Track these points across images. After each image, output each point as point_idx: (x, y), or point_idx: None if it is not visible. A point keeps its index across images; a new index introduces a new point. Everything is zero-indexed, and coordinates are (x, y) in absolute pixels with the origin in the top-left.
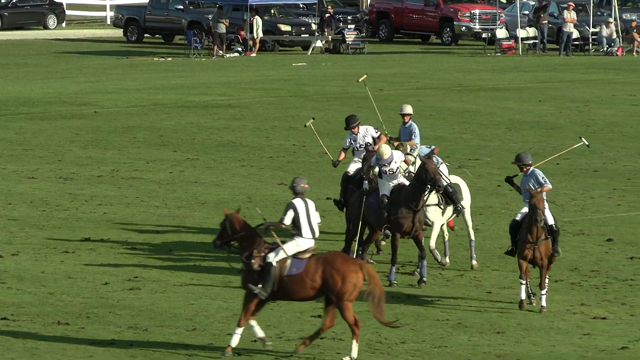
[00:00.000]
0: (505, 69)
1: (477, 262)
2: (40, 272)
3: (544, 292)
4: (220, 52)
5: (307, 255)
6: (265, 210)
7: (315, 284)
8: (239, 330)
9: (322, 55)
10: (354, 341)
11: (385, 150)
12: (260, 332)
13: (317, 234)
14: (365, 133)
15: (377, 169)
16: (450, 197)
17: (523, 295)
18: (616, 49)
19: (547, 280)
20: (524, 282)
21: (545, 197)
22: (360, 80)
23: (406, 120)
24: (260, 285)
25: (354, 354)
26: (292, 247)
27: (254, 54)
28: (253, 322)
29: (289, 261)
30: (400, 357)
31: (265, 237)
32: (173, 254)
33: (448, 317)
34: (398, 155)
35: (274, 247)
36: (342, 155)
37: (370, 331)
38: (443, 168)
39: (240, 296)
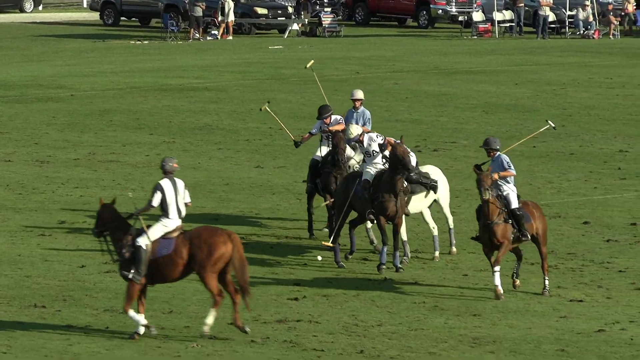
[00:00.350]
0: (482, 52)
1: (455, 248)
2: (16, 255)
3: (497, 268)
4: (197, 35)
5: (175, 234)
6: (242, 194)
7: (184, 260)
8: (132, 314)
9: (298, 38)
10: (213, 310)
11: (353, 129)
12: (142, 320)
13: (183, 213)
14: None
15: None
16: (420, 182)
17: (497, 282)
18: (592, 31)
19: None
20: (496, 269)
21: (512, 182)
22: (307, 66)
23: (357, 106)
24: (132, 271)
25: (210, 320)
26: (158, 228)
27: (230, 37)
28: (132, 313)
29: (158, 242)
30: (376, 340)
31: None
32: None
33: (424, 300)
34: (372, 138)
35: (142, 232)
36: (307, 136)
37: (347, 314)
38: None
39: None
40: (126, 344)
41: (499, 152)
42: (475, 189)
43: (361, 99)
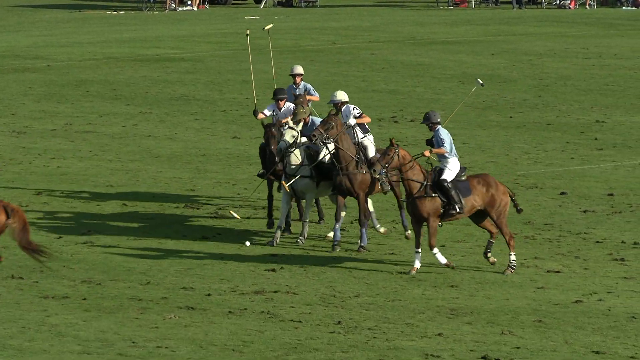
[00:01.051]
0: (458, 22)
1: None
2: None
3: (419, 249)
4: (173, 5)
5: None
6: (218, 164)
7: None
8: None
9: (274, 8)
10: None
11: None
12: None
13: None
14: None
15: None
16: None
17: (417, 264)
18: (569, 2)
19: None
20: (418, 250)
21: (453, 156)
22: (265, 28)
23: (297, 82)
24: None
25: None
26: None
27: (207, 6)
28: None
29: None
30: (354, 311)
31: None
32: (127, 207)
33: (401, 271)
34: (350, 110)
35: None
36: (260, 116)
37: (324, 285)
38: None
39: (195, 248)
40: (103, 316)
41: (439, 126)
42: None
43: (301, 74)
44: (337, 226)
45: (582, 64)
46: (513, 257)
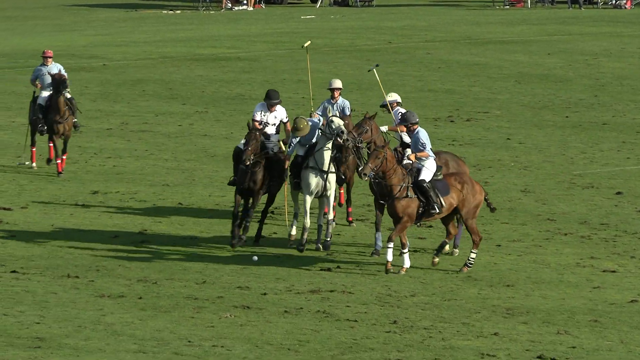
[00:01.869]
0: (514, 21)
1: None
2: (49, 225)
3: (390, 245)
4: (229, 4)
5: None
6: None
7: None
8: None
9: (330, 7)
10: None
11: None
12: None
13: None
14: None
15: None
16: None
17: (389, 257)
18: (625, 1)
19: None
20: (390, 245)
21: (431, 156)
22: (304, 45)
23: (336, 96)
24: None
25: None
26: None
27: (263, 6)
28: None
29: None
30: (410, 310)
31: None
32: (182, 207)
33: (457, 270)
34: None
35: None
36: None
37: (380, 284)
38: None
39: (251, 248)
40: (159, 315)
41: (418, 127)
42: (508, 159)
43: (340, 89)
44: (378, 235)
45: (638, 64)
46: (473, 256)
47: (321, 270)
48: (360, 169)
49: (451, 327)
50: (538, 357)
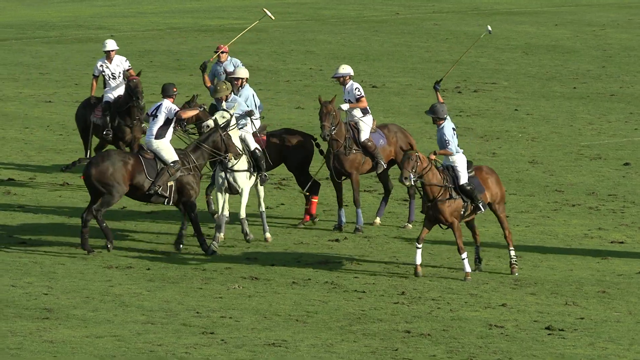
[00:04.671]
0: None
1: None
2: (57, 196)
3: (463, 255)
4: None
5: None
6: None
7: None
8: None
9: None
10: None
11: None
12: None
13: None
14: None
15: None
16: (257, 162)
17: (418, 260)
18: None
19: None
20: (419, 245)
21: (459, 151)
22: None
23: (238, 84)
24: None
25: None
26: None
27: None
28: None
29: None
30: (418, 281)
31: None
32: None
33: (465, 242)
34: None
35: None
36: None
37: (388, 256)
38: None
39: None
40: (167, 286)
41: (444, 123)
42: (516, 130)
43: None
44: (359, 210)
45: None
46: (513, 253)
47: (329, 241)
48: (402, 179)
49: (459, 298)
50: (546, 328)
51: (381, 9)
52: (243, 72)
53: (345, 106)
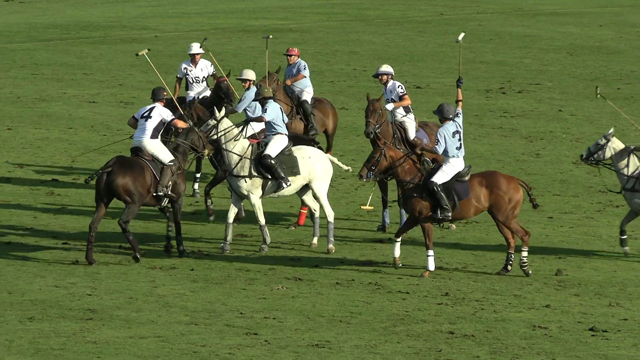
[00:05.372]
0: None
1: (334, 246)
2: None
3: (429, 253)
4: None
5: None
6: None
7: None
8: None
9: None
10: None
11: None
12: None
13: None
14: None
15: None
16: (269, 170)
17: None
18: None
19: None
20: (397, 240)
21: (453, 157)
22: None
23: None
24: None
25: None
26: None
27: None
28: None
29: None
30: (461, 282)
31: None
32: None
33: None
34: None
35: None
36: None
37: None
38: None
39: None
40: (211, 286)
41: (446, 123)
42: (560, 131)
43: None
44: (385, 212)
45: None
46: (524, 254)
47: (373, 242)
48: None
49: (503, 299)
50: (590, 329)
51: (425, 10)
52: (251, 74)
53: (390, 106)
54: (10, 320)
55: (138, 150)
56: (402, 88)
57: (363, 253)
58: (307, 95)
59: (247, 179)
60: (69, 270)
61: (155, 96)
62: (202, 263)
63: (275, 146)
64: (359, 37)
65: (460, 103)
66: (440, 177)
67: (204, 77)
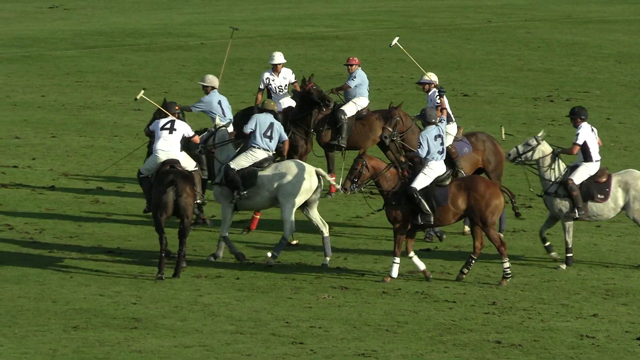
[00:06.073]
0: (615, 0)
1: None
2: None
3: (396, 260)
4: None
5: None
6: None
7: None
8: None
9: None
10: None
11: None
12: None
13: None
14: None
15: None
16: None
17: (394, 274)
18: None
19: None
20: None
21: (434, 160)
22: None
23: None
24: None
25: None
26: None
27: None
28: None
29: None
30: (509, 291)
31: None
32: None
33: (557, 252)
34: None
35: None
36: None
37: (479, 265)
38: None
39: (349, 230)
40: (257, 295)
41: (429, 127)
42: (608, 140)
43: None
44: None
45: None
46: (506, 265)
47: (420, 250)
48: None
49: (550, 308)
50: (638, 339)
51: (473, 17)
52: (215, 82)
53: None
54: (55, 329)
55: (170, 163)
56: (438, 98)
57: (410, 262)
58: (351, 106)
59: (218, 187)
60: (114, 279)
61: (169, 109)
62: (248, 272)
63: (241, 159)
64: (406, 45)
65: (444, 111)
66: (420, 182)
67: (285, 85)
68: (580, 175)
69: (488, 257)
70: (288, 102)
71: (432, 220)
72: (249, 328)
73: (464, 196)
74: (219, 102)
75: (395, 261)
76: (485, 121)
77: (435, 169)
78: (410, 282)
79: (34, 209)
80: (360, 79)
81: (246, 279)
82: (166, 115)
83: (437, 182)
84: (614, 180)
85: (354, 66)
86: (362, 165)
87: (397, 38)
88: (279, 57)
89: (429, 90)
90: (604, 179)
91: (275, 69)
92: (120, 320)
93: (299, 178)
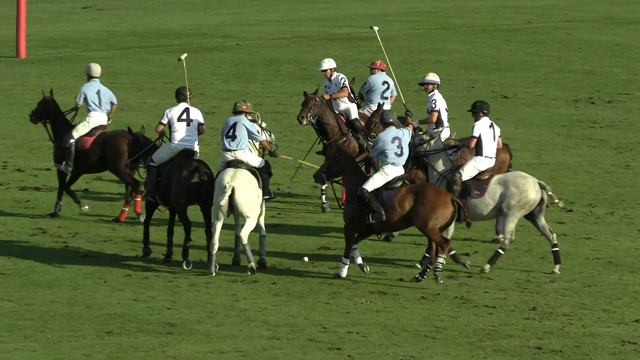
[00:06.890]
0: None
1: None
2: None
3: (345, 261)
4: None
5: None
6: None
7: None
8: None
9: None
10: None
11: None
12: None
13: None
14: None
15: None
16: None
17: (359, 261)
18: None
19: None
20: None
21: (390, 164)
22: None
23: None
24: None
25: None
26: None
27: None
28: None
29: None
30: (549, 296)
31: None
32: (317, 190)
33: (598, 256)
34: None
35: None
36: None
37: (519, 269)
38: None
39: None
40: (293, 300)
41: (387, 128)
42: None
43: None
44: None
45: None
46: (440, 261)
47: (459, 254)
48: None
49: (591, 313)
50: None
51: (513, 18)
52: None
53: (416, 123)
54: (88, 334)
55: (190, 153)
56: (434, 103)
57: (449, 267)
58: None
59: None
60: (148, 284)
61: (181, 96)
62: (284, 276)
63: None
64: (444, 46)
65: (411, 126)
66: (371, 185)
67: (338, 90)
68: (469, 169)
69: (527, 263)
70: (346, 106)
71: (383, 216)
72: (285, 333)
73: (411, 198)
74: (98, 92)
75: (345, 262)
76: (526, 123)
77: (389, 173)
78: (449, 287)
79: (67, 212)
80: (370, 84)
81: (282, 283)
82: (179, 101)
83: (387, 185)
84: (494, 179)
85: (376, 69)
86: (334, 157)
87: (377, 28)
88: (327, 64)
89: (431, 91)
90: (486, 177)
91: (326, 74)
92: (155, 325)
93: (251, 177)
